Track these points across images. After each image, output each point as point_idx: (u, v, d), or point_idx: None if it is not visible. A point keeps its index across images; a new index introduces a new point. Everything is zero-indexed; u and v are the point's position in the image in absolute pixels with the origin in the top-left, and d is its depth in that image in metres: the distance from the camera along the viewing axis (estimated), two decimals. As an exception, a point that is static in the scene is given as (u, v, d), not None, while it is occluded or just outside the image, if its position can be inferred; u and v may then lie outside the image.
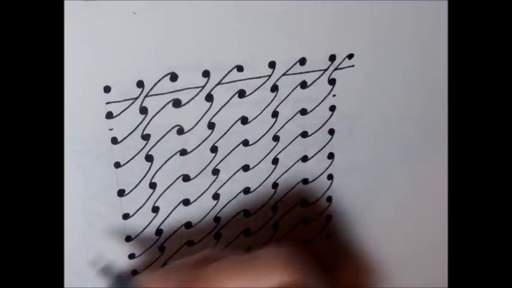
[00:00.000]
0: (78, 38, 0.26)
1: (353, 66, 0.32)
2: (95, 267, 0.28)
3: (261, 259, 0.26)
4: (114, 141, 0.29)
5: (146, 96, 0.29)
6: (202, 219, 0.33)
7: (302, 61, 0.31)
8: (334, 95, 0.32)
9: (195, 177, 0.32)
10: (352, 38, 0.31)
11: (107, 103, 0.28)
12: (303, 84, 0.32)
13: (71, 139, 0.28)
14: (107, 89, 0.28)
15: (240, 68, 0.30)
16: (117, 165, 0.30)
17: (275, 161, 0.33)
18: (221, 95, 0.30)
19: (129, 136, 0.29)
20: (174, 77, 0.29)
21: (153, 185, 0.31)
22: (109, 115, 0.28)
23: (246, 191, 0.33)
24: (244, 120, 0.31)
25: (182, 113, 0.30)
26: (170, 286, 0.26)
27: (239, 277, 0.26)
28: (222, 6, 0.28)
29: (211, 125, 0.31)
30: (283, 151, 0.33)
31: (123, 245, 0.32)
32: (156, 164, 0.31)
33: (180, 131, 0.30)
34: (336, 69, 0.32)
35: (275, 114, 0.32)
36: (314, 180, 0.34)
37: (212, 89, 0.30)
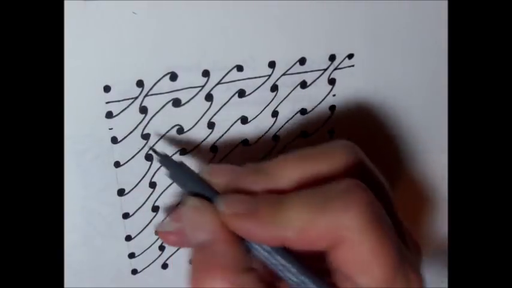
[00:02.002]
0: (78, 38, 0.26)
1: (353, 66, 0.32)
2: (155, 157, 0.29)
3: (320, 150, 0.27)
4: (114, 140, 0.29)
5: (146, 95, 0.29)
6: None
7: (302, 61, 0.31)
8: (334, 95, 0.32)
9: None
10: (352, 38, 0.31)
11: (107, 103, 0.28)
12: (303, 84, 0.32)
13: (71, 139, 0.28)
14: (107, 89, 0.28)
15: (239, 68, 0.30)
16: (117, 164, 0.30)
17: (275, 161, 0.33)
18: (221, 94, 0.30)
19: (129, 136, 0.29)
20: (173, 76, 0.29)
21: (153, 185, 0.31)
22: (109, 115, 0.28)
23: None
24: (244, 120, 0.31)
25: (182, 112, 0.30)
26: (227, 178, 0.27)
27: (299, 166, 0.26)
28: (222, 6, 0.28)
29: (211, 125, 0.31)
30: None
31: (123, 245, 0.32)
32: (156, 164, 0.31)
33: (180, 131, 0.30)
34: (335, 69, 0.32)
35: (275, 114, 0.32)
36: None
37: (212, 89, 0.30)
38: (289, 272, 0.25)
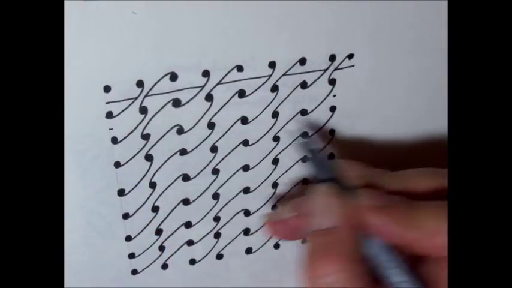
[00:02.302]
0: (78, 38, 0.26)
1: (353, 66, 0.32)
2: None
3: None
4: (114, 140, 0.29)
5: (146, 96, 0.29)
6: (202, 218, 0.33)
7: (302, 61, 0.31)
8: (334, 95, 0.32)
9: (195, 177, 0.32)
10: (352, 38, 0.31)
11: (107, 103, 0.28)
12: (303, 85, 0.31)
13: (70, 139, 0.28)
14: (107, 89, 0.28)
15: (240, 68, 0.30)
16: (117, 164, 0.30)
17: (275, 161, 0.33)
18: (221, 94, 0.30)
19: (129, 136, 0.29)
20: (174, 76, 0.29)
21: (153, 185, 0.31)
22: (109, 115, 0.28)
23: (246, 190, 0.33)
24: (244, 120, 0.31)
25: (182, 112, 0.30)
26: (361, 174, 0.29)
27: (433, 179, 0.28)
28: (222, 6, 0.28)
29: (211, 125, 0.31)
30: (283, 151, 0.33)
31: (123, 245, 0.32)
32: (156, 164, 0.31)
33: (180, 131, 0.30)
34: (336, 69, 0.32)
35: (275, 114, 0.32)
36: (314, 180, 0.34)
37: (212, 89, 0.30)
38: (396, 270, 0.26)
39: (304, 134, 0.32)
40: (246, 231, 0.34)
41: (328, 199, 0.27)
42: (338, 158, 0.31)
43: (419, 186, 0.28)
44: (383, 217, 0.26)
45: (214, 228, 0.34)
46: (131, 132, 0.29)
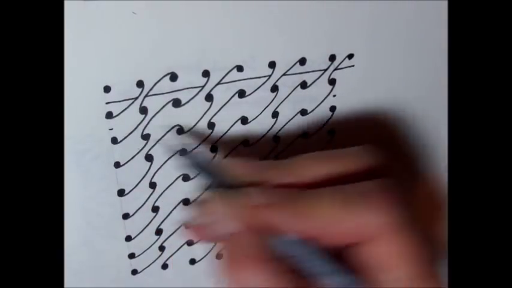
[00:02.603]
0: (78, 38, 0.26)
1: (353, 66, 0.32)
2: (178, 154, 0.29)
3: (346, 151, 0.27)
4: (114, 141, 0.29)
5: (146, 96, 0.29)
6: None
7: (302, 61, 0.31)
8: (334, 95, 0.32)
9: (195, 176, 0.32)
10: (352, 38, 0.31)
11: (107, 103, 0.28)
12: (303, 85, 0.31)
13: (70, 139, 0.28)
14: (107, 89, 0.28)
15: (240, 68, 0.30)
16: (117, 165, 0.30)
17: (275, 161, 0.33)
18: (221, 95, 0.30)
19: (129, 136, 0.29)
20: (173, 76, 0.29)
21: (153, 185, 0.31)
22: (109, 115, 0.28)
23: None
24: (244, 120, 0.31)
25: (182, 112, 0.30)
26: (249, 171, 0.27)
27: (324, 164, 0.26)
28: (221, 6, 0.28)
29: (211, 125, 0.31)
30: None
31: (123, 245, 0.32)
32: (156, 164, 0.31)
33: (180, 131, 0.30)
34: (336, 69, 0.32)
35: (275, 114, 0.32)
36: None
37: (212, 89, 0.30)
38: (314, 262, 0.25)
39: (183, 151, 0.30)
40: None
41: (224, 205, 0.26)
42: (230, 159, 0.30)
43: (308, 175, 0.26)
44: (278, 214, 0.25)
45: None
46: (131, 133, 0.29)
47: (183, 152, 0.29)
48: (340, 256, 0.26)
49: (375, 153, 0.27)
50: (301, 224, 0.25)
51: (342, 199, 0.24)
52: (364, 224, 0.24)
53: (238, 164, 0.27)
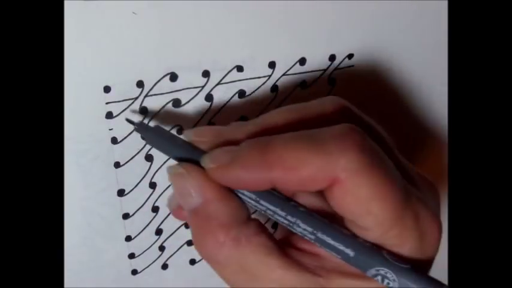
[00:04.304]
0: (78, 38, 0.26)
1: (353, 66, 0.32)
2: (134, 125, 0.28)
3: (307, 102, 0.26)
4: (114, 141, 0.29)
5: (146, 96, 0.29)
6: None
7: (302, 61, 0.31)
8: (334, 95, 0.32)
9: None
10: (352, 38, 0.31)
11: (107, 103, 0.28)
12: (303, 84, 0.32)
13: (71, 139, 0.28)
14: (107, 89, 0.28)
15: (240, 68, 0.30)
16: (117, 165, 0.30)
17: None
18: (221, 95, 0.30)
19: (129, 136, 0.29)
20: (173, 77, 0.29)
21: (153, 185, 0.31)
22: (109, 115, 0.28)
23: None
24: (244, 120, 0.31)
25: (182, 113, 0.30)
26: (212, 136, 0.26)
27: (285, 112, 0.26)
28: (221, 6, 0.28)
29: (211, 125, 0.31)
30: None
31: (123, 245, 0.32)
32: (156, 164, 0.31)
33: (180, 131, 0.30)
34: (335, 69, 0.32)
35: (275, 114, 0.32)
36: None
37: (212, 89, 0.30)
38: (278, 215, 0.25)
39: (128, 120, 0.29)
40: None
41: (181, 180, 0.25)
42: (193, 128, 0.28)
43: (270, 123, 0.26)
44: (232, 172, 0.24)
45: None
46: (131, 133, 0.29)
47: (141, 126, 0.27)
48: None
49: (337, 99, 0.27)
50: (257, 174, 0.24)
51: (307, 142, 0.23)
52: (329, 168, 0.23)
53: (200, 131, 0.26)
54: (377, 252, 0.24)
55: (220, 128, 0.26)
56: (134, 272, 0.33)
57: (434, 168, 0.37)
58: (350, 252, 0.24)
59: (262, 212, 0.25)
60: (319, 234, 0.24)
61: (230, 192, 0.25)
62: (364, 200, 0.23)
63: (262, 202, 0.25)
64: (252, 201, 0.25)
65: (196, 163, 0.25)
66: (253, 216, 0.26)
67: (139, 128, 0.27)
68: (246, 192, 0.25)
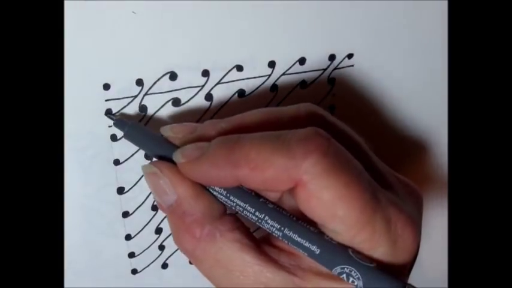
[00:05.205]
0: (78, 37, 0.26)
1: (352, 66, 0.32)
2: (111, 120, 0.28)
3: (280, 107, 0.27)
4: (114, 138, 0.29)
5: (146, 94, 0.29)
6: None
7: (302, 61, 0.31)
8: (333, 95, 0.32)
9: None
10: (351, 38, 0.31)
11: (106, 100, 0.28)
12: (303, 84, 0.32)
13: (70, 136, 0.28)
14: (107, 87, 0.28)
15: (239, 68, 0.30)
16: (117, 162, 0.30)
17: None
18: (221, 94, 0.30)
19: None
20: (173, 76, 0.29)
21: (152, 184, 0.31)
22: (108, 112, 0.28)
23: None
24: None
25: (182, 112, 0.30)
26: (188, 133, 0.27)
27: (258, 113, 0.26)
28: (221, 5, 0.28)
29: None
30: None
31: (122, 244, 0.32)
32: (155, 162, 0.31)
33: (180, 130, 0.30)
34: (335, 68, 0.32)
35: (275, 113, 0.32)
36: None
37: (212, 89, 0.30)
38: (247, 211, 0.25)
39: (109, 112, 0.29)
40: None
41: (154, 178, 0.26)
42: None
43: (243, 123, 0.26)
44: (201, 167, 0.25)
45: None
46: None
47: (119, 122, 0.28)
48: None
49: (309, 105, 0.27)
50: (225, 171, 0.24)
51: (273, 143, 0.24)
52: (294, 169, 0.23)
53: (176, 127, 0.27)
54: (342, 250, 0.24)
55: (195, 124, 0.27)
56: (134, 271, 0.33)
57: (435, 165, 0.37)
58: (316, 249, 0.24)
59: (233, 208, 0.26)
60: (286, 231, 0.24)
61: (203, 189, 0.26)
62: (329, 203, 0.23)
63: (232, 198, 0.25)
64: (223, 197, 0.25)
65: (171, 160, 0.26)
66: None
67: (118, 123, 0.28)
68: (217, 189, 0.26)
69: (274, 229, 0.25)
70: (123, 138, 0.29)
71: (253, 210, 0.25)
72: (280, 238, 0.25)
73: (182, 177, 0.25)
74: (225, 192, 0.25)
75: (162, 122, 0.30)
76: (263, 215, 0.25)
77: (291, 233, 0.24)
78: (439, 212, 0.38)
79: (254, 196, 0.25)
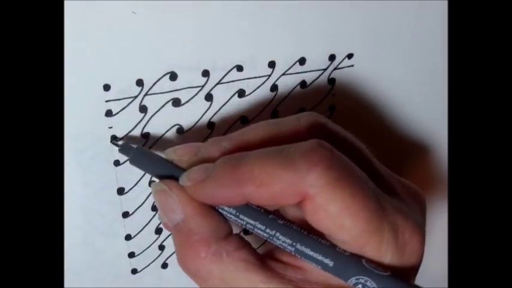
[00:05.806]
0: (78, 38, 0.26)
1: (352, 66, 0.32)
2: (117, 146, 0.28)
3: (282, 119, 0.27)
4: (114, 139, 0.29)
5: (146, 94, 0.29)
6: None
7: (302, 61, 0.31)
8: (333, 95, 0.32)
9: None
10: (352, 38, 0.31)
11: (107, 101, 0.28)
12: (303, 84, 0.32)
13: (70, 137, 0.28)
14: (107, 87, 0.28)
15: (239, 68, 0.30)
16: (117, 163, 0.30)
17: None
18: (221, 94, 0.30)
19: (129, 134, 0.29)
20: (173, 76, 0.29)
21: (152, 184, 0.31)
22: (108, 113, 0.28)
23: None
24: (244, 120, 0.31)
25: (182, 112, 0.30)
26: (192, 154, 0.27)
27: (260, 129, 0.26)
28: (221, 5, 0.28)
29: (210, 125, 0.31)
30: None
31: (123, 244, 0.32)
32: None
33: (180, 130, 0.30)
34: (335, 68, 0.32)
35: (275, 113, 0.32)
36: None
37: (212, 89, 0.30)
38: (258, 229, 0.25)
39: (114, 138, 0.29)
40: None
41: (163, 196, 0.26)
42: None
43: (246, 140, 0.26)
44: (207, 188, 0.25)
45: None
46: (131, 131, 0.29)
47: (124, 147, 0.28)
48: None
49: (311, 115, 0.27)
50: (231, 190, 0.24)
51: (277, 158, 0.24)
52: (299, 183, 0.23)
53: (180, 149, 0.27)
54: (356, 260, 0.24)
55: (198, 145, 0.27)
56: (134, 271, 0.33)
57: (435, 166, 0.37)
58: (329, 262, 0.24)
59: (243, 226, 0.26)
60: (298, 246, 0.25)
61: (211, 208, 0.26)
62: (336, 215, 0.23)
63: (241, 216, 0.25)
64: (232, 216, 0.26)
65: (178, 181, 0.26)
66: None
67: (122, 149, 0.28)
68: (225, 208, 0.26)
69: (286, 245, 0.25)
70: (123, 139, 0.29)
71: (264, 227, 0.25)
72: (293, 253, 0.25)
73: (190, 196, 0.26)
74: (234, 211, 0.25)
75: (162, 122, 0.30)
76: (274, 232, 0.25)
77: (303, 247, 0.24)
78: (439, 212, 0.38)
79: (263, 213, 0.25)
